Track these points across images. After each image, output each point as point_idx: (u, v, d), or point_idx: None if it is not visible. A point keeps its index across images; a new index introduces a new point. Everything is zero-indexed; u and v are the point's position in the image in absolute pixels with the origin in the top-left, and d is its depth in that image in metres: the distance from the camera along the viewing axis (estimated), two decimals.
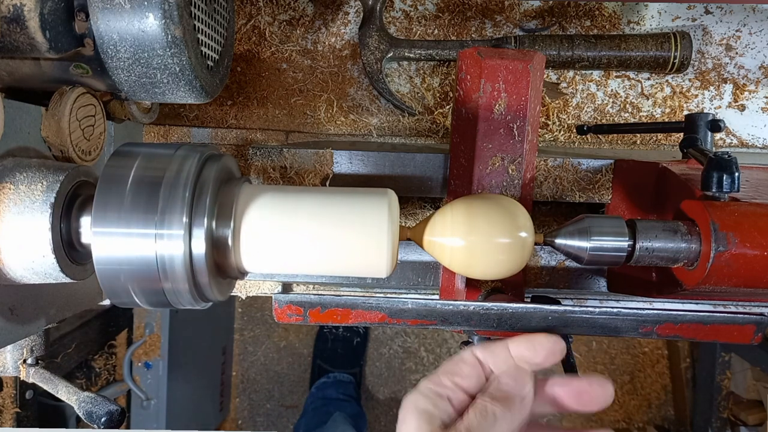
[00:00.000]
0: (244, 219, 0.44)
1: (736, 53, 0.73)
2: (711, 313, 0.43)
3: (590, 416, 1.72)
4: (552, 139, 0.74)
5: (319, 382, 1.62)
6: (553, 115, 0.73)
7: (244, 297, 0.72)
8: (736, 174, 0.46)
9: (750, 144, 0.74)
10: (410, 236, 0.48)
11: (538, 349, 0.40)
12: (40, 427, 0.99)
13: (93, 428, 0.50)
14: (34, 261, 0.43)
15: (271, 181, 0.64)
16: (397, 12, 0.73)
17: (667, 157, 0.65)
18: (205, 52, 0.53)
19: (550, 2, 0.72)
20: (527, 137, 0.56)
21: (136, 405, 1.32)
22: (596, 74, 0.74)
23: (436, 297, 0.67)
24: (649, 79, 0.73)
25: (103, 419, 0.49)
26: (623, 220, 0.47)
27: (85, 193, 0.46)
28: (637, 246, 0.46)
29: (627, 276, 0.62)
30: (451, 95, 0.73)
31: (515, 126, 0.55)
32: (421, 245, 0.48)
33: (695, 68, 0.73)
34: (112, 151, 0.44)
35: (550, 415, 0.44)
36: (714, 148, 0.61)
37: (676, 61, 0.69)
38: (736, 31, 0.72)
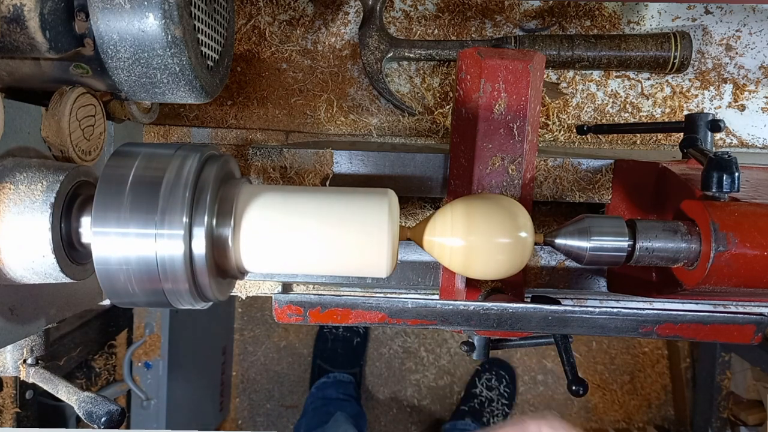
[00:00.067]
0: (244, 219, 0.44)
1: (736, 53, 0.73)
2: (711, 313, 0.43)
3: (590, 417, 1.72)
4: (552, 139, 0.74)
5: (319, 382, 1.62)
6: (553, 115, 0.73)
7: (244, 297, 0.72)
8: (736, 174, 0.46)
9: (750, 144, 0.74)
10: (410, 236, 0.48)
11: None
12: (40, 427, 0.99)
13: (93, 428, 0.50)
14: (34, 261, 0.43)
15: (271, 181, 0.64)
16: (397, 12, 0.73)
17: (667, 157, 0.65)
18: (205, 52, 0.53)
19: (550, 2, 0.72)
20: (527, 137, 0.56)
21: (136, 405, 1.32)
22: (596, 74, 0.74)
23: (436, 297, 0.67)
24: (649, 79, 0.73)
25: (103, 419, 0.49)
26: (623, 220, 0.47)
27: (85, 193, 0.46)
28: (637, 246, 0.46)
29: (627, 276, 0.62)
30: (451, 95, 0.73)
31: (515, 126, 0.55)
32: (421, 245, 0.48)
33: (695, 68, 0.73)
34: (112, 151, 0.44)
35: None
36: (714, 148, 0.61)
37: (676, 61, 0.69)
38: (736, 31, 0.72)
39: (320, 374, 1.66)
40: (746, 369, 1.53)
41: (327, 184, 0.64)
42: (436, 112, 0.73)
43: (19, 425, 0.91)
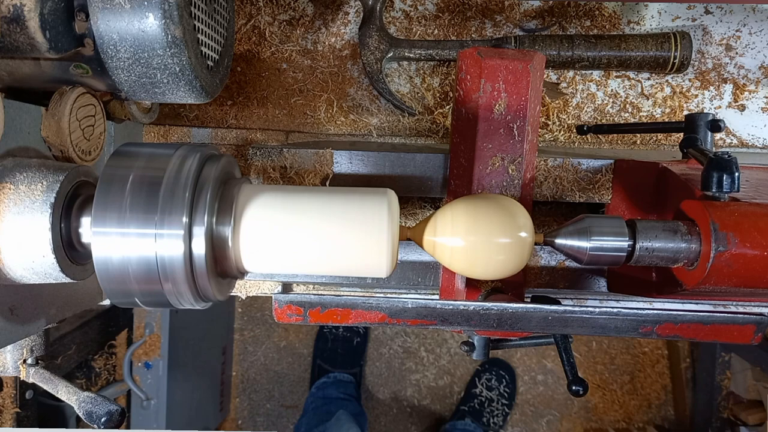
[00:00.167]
0: (244, 219, 0.44)
1: (736, 53, 0.73)
2: (711, 313, 0.43)
3: (590, 417, 1.72)
4: (552, 139, 0.74)
5: (320, 382, 1.62)
6: (553, 115, 0.73)
7: (244, 297, 0.72)
8: (736, 174, 0.46)
9: (750, 144, 0.74)
10: (410, 236, 0.48)
11: None
12: (40, 427, 0.99)
13: (93, 428, 0.50)
14: (34, 261, 0.43)
15: (271, 181, 0.64)
16: (397, 12, 0.73)
17: (667, 157, 0.65)
18: (205, 52, 0.53)
19: (550, 2, 0.72)
20: (527, 137, 0.56)
21: (136, 405, 1.32)
22: (596, 74, 0.74)
23: (436, 297, 0.67)
24: (649, 79, 0.73)
25: (103, 419, 0.49)
26: (623, 220, 0.47)
27: (85, 193, 0.46)
28: (637, 246, 0.46)
29: (627, 276, 0.62)
30: (451, 95, 0.73)
31: (515, 126, 0.55)
32: (421, 245, 0.48)
33: (695, 68, 0.73)
34: (112, 151, 0.44)
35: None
36: (714, 148, 0.61)
37: (676, 61, 0.69)
38: (736, 31, 0.72)
39: (320, 374, 1.66)
40: (746, 369, 1.53)
41: (327, 184, 0.64)
42: (436, 112, 0.73)
43: (19, 425, 0.91)
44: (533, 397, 1.71)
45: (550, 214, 0.72)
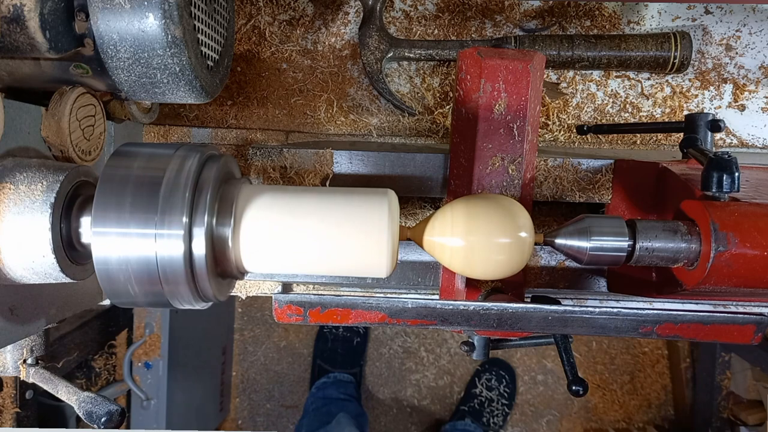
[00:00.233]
0: (244, 219, 0.44)
1: (736, 53, 0.73)
2: (711, 313, 0.43)
3: (590, 417, 1.72)
4: (552, 139, 0.74)
5: (319, 382, 1.62)
6: (553, 115, 0.73)
7: (244, 297, 0.72)
8: (736, 174, 0.46)
9: (750, 144, 0.74)
10: (410, 236, 0.48)
11: None
12: (40, 427, 0.99)
13: (93, 428, 0.50)
14: (34, 261, 0.43)
15: (271, 181, 0.63)
16: (397, 12, 0.73)
17: (667, 157, 0.65)
18: (205, 52, 0.53)
19: (550, 2, 0.72)
20: (527, 137, 0.56)
21: (136, 405, 1.32)
22: (596, 74, 0.74)
23: (436, 297, 0.67)
24: (649, 79, 0.73)
25: (103, 419, 0.49)
26: (623, 220, 0.47)
27: (85, 193, 0.46)
28: (637, 246, 0.46)
29: (627, 276, 0.62)
30: (451, 95, 0.73)
31: (515, 126, 0.55)
32: (421, 245, 0.48)
33: (695, 68, 0.73)
34: (112, 151, 0.44)
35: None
36: (714, 148, 0.61)
37: (676, 61, 0.69)
38: (736, 31, 0.72)
39: (320, 374, 1.66)
40: (746, 369, 1.53)
41: (327, 184, 0.64)
42: (436, 112, 0.73)
43: (19, 425, 0.91)
44: (533, 397, 1.71)
45: (550, 214, 0.72)
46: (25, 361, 0.54)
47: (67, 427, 1.17)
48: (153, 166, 0.42)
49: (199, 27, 0.51)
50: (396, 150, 0.65)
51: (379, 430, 1.72)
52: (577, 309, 0.43)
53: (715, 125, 0.58)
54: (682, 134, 0.60)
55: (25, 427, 0.92)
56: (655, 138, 0.74)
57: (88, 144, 0.52)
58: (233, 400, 1.74)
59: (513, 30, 0.73)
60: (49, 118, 0.49)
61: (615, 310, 0.42)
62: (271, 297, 0.43)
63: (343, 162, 0.63)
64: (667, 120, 0.73)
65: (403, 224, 0.66)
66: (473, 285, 0.58)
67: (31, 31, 0.43)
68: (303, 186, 0.62)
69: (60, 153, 0.49)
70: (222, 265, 0.44)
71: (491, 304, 0.43)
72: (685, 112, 0.73)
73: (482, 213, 0.46)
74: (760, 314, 0.43)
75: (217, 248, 0.43)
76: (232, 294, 0.54)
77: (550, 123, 0.73)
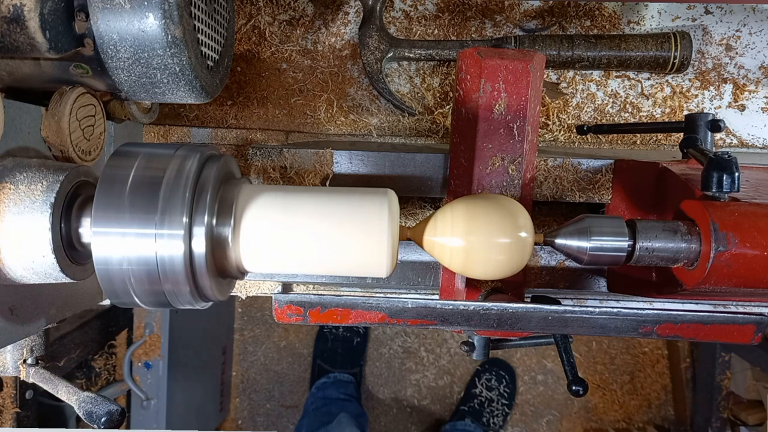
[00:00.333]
0: (244, 219, 0.44)
1: (736, 53, 0.73)
2: (711, 313, 0.43)
3: (590, 417, 1.72)
4: (552, 139, 0.74)
5: (320, 382, 1.62)
6: (553, 115, 0.73)
7: (244, 297, 0.72)
8: (736, 174, 0.46)
9: (750, 144, 0.74)
10: (410, 236, 0.48)
11: None
12: (40, 427, 0.99)
13: (93, 428, 0.50)
14: (34, 261, 0.43)
15: (271, 181, 0.64)
16: (397, 12, 0.73)
17: (667, 157, 0.65)
18: (205, 52, 0.53)
19: (550, 2, 0.72)
20: (527, 137, 0.56)
21: (136, 405, 1.32)
22: (596, 74, 0.74)
23: (436, 297, 0.67)
24: (649, 79, 0.73)
25: (103, 419, 0.49)
26: (623, 220, 0.47)
27: (85, 193, 0.46)
28: (637, 246, 0.46)
29: (627, 276, 0.62)
30: (451, 95, 0.73)
31: (515, 126, 0.55)
32: (421, 245, 0.48)
33: (695, 68, 0.73)
34: (112, 151, 0.44)
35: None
36: (714, 148, 0.61)
37: (676, 61, 0.69)
38: (736, 31, 0.72)
39: (320, 374, 1.66)
40: (746, 369, 1.53)
41: (327, 184, 0.64)
42: (436, 112, 0.73)
43: (19, 425, 0.91)
44: (533, 397, 1.71)
45: (550, 214, 0.72)
46: (25, 361, 0.54)
47: (67, 427, 1.17)
48: (153, 166, 0.42)
49: (199, 27, 0.51)
50: (396, 150, 0.65)
51: (379, 430, 1.72)
52: (577, 309, 0.43)
53: (715, 125, 0.58)
54: (682, 134, 0.60)
55: (25, 427, 0.92)
56: (655, 138, 0.74)
57: (88, 144, 0.52)
58: (233, 400, 1.74)
59: (513, 30, 0.73)
60: (49, 118, 0.49)
61: (615, 310, 0.42)
62: (271, 297, 0.43)
63: (343, 162, 0.63)
64: (667, 120, 0.73)
65: (403, 224, 0.66)
66: (473, 285, 0.58)
67: (31, 31, 0.43)
68: (303, 186, 0.62)
69: (60, 153, 0.49)
70: (222, 265, 0.44)
71: (491, 304, 0.43)
72: (685, 112, 0.73)
73: (482, 213, 0.46)
74: (760, 314, 0.43)
75: (217, 248, 0.43)
76: (232, 294, 0.54)
77: (550, 123, 0.73)
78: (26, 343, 0.54)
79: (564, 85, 0.74)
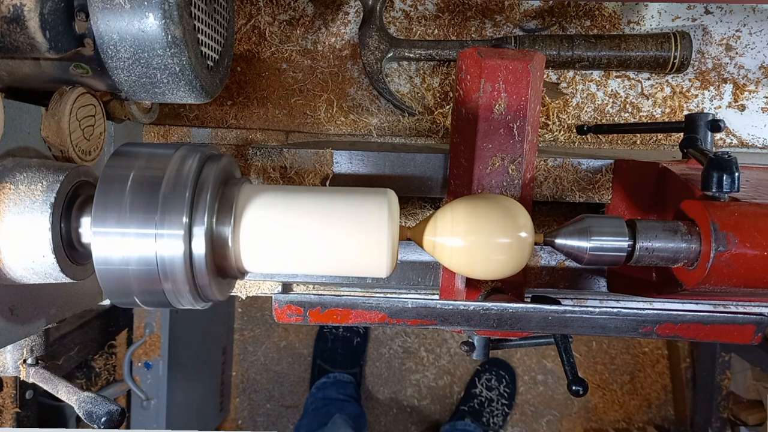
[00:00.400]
0: (244, 219, 0.44)
1: (736, 53, 0.73)
2: (711, 313, 0.43)
3: (590, 417, 1.72)
4: (552, 139, 0.74)
5: (319, 382, 1.62)
6: (553, 115, 0.73)
7: (244, 297, 0.72)
8: (736, 174, 0.46)
9: (750, 144, 0.74)
10: (410, 236, 0.48)
11: None
12: (40, 427, 0.99)
13: (93, 428, 0.50)
14: (34, 261, 0.43)
15: (271, 181, 0.64)
16: (397, 12, 0.73)
17: (667, 157, 0.65)
18: (205, 52, 0.53)
19: (550, 2, 0.72)
20: (527, 137, 0.56)
21: (136, 405, 1.32)
22: (596, 74, 0.74)
23: (436, 297, 0.67)
24: (649, 79, 0.73)
25: (103, 419, 0.49)
26: (623, 220, 0.47)
27: (85, 193, 0.46)
28: (637, 246, 0.46)
29: (627, 276, 0.62)
30: (451, 95, 0.73)
31: (515, 126, 0.55)
32: (421, 245, 0.48)
33: (695, 68, 0.73)
34: (112, 151, 0.44)
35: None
36: (714, 148, 0.61)
37: (676, 61, 0.69)
38: (736, 31, 0.72)
39: (320, 374, 1.66)
40: (746, 369, 1.53)
41: (327, 184, 0.64)
42: (436, 112, 0.73)
43: (19, 425, 0.91)
44: (533, 397, 1.71)
45: (550, 214, 0.72)
46: (25, 361, 0.54)
47: (67, 427, 1.17)
48: (153, 166, 0.42)
49: (199, 27, 0.51)
50: (396, 150, 0.65)
51: (379, 430, 1.72)
52: (577, 309, 0.43)
53: (715, 125, 0.58)
54: (682, 134, 0.60)
55: (25, 427, 0.92)
56: (655, 138, 0.74)
57: (88, 144, 0.52)
58: (233, 400, 1.74)
59: (513, 30, 0.73)
60: (49, 118, 0.49)
61: (615, 310, 0.42)
62: (271, 297, 0.43)
63: (343, 162, 0.63)
64: (667, 120, 0.73)
65: (403, 224, 0.66)
66: (473, 285, 0.58)
67: (31, 31, 0.43)
68: (303, 186, 0.62)
69: (60, 153, 0.49)
70: (222, 265, 0.44)
71: (491, 304, 0.43)
72: (685, 112, 0.73)
73: (482, 213, 0.46)
74: (760, 314, 0.43)
75: (217, 248, 0.43)
76: (232, 294, 0.54)
77: (550, 123, 0.73)
78: (26, 343, 0.54)
79: (564, 85, 0.74)
